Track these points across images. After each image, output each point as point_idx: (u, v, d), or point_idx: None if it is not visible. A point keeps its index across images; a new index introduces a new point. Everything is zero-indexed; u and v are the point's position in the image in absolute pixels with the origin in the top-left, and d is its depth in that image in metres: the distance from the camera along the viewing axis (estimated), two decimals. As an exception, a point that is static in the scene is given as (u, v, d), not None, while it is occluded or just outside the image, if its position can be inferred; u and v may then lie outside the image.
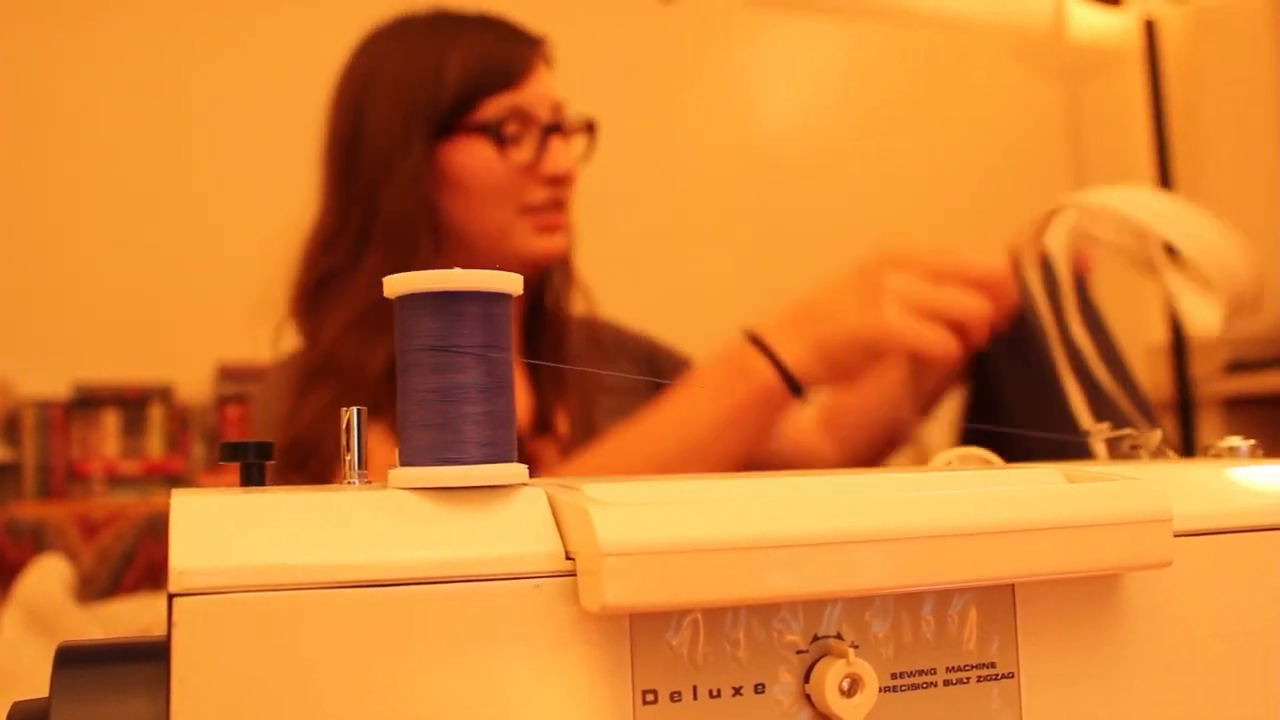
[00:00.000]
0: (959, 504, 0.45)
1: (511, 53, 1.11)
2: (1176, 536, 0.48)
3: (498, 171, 1.09)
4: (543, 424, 1.15)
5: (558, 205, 1.13)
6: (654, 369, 1.27)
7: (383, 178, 1.08)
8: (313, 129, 2.37)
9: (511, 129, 1.10)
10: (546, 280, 1.20)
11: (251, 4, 2.52)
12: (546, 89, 1.13)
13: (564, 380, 1.17)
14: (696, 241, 2.66)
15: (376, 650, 0.41)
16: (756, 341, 0.93)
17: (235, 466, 0.49)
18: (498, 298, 0.46)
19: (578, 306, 1.23)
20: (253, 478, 0.49)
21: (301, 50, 2.55)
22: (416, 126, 1.08)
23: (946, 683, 0.48)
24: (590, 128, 1.17)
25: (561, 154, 1.12)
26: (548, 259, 1.15)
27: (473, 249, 1.11)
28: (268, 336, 1.14)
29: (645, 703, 0.44)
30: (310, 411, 1.03)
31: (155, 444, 2.34)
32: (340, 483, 0.48)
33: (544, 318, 1.20)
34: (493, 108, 1.10)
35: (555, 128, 1.12)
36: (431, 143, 1.09)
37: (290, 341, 1.18)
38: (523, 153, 1.10)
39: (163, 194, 2.44)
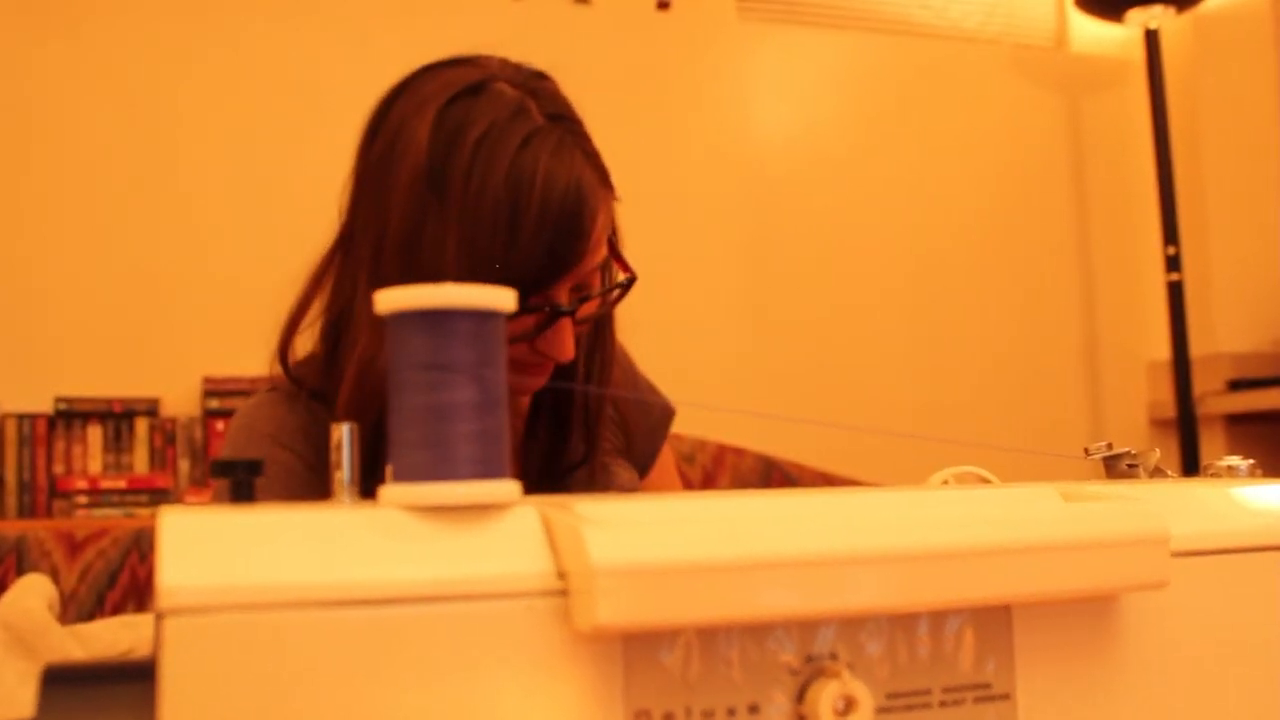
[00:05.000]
0: (955, 524, 0.45)
1: (579, 232, 0.99)
2: (1174, 557, 0.48)
3: None
4: None
5: (543, 367, 1.06)
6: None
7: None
8: (300, 146, 2.36)
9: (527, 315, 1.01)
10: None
11: (240, 17, 2.52)
12: (590, 262, 1.02)
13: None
14: (688, 254, 2.66)
15: (367, 669, 0.41)
16: None
17: (216, 482, 0.49)
18: (489, 315, 0.46)
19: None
20: (242, 495, 0.48)
21: (292, 66, 2.54)
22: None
23: (942, 703, 0.48)
24: (628, 283, 1.07)
25: (562, 339, 1.03)
26: (517, 394, 1.10)
27: None
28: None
29: (638, 723, 0.44)
30: None
31: (140, 459, 2.33)
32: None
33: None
34: (531, 300, 1.00)
35: (570, 312, 1.02)
36: None
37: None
38: (522, 325, 1.02)
39: (149, 207, 2.43)
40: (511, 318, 0.99)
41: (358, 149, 1.07)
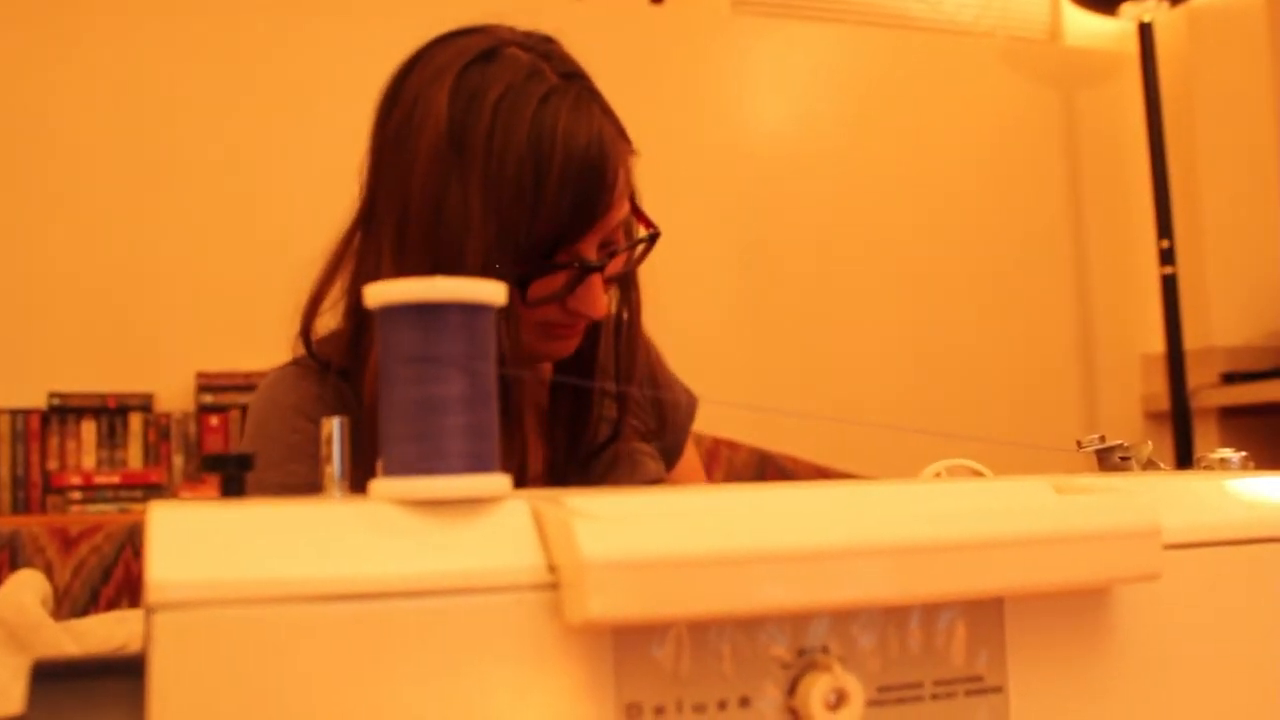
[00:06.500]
0: (947, 517, 0.45)
1: (602, 185, 1.00)
2: (1167, 549, 0.48)
3: (516, 302, 1.01)
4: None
5: (574, 326, 1.07)
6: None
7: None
8: (293, 142, 2.35)
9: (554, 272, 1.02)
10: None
11: (234, 16, 2.52)
12: (615, 216, 1.03)
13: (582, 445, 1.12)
14: (683, 248, 2.65)
15: (357, 664, 0.41)
16: None
17: (214, 477, 0.48)
18: (479, 308, 0.46)
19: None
20: (233, 489, 0.48)
21: (285, 64, 2.54)
22: (506, 256, 0.98)
23: (934, 696, 0.48)
24: (652, 238, 1.09)
25: (594, 295, 1.03)
26: (548, 359, 1.11)
27: None
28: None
29: (629, 717, 0.44)
30: None
31: (134, 455, 2.32)
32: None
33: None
34: (559, 256, 1.01)
35: (599, 267, 1.03)
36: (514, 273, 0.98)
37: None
38: (552, 285, 1.02)
39: (142, 202, 2.43)
40: (541, 276, 1.00)
41: (373, 124, 1.07)
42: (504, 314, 0.98)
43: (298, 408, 1.07)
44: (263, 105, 2.51)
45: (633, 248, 1.09)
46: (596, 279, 1.04)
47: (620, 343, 1.13)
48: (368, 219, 1.07)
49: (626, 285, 1.12)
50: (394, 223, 1.01)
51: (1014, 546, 0.45)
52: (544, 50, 1.05)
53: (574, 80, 1.04)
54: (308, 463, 1.04)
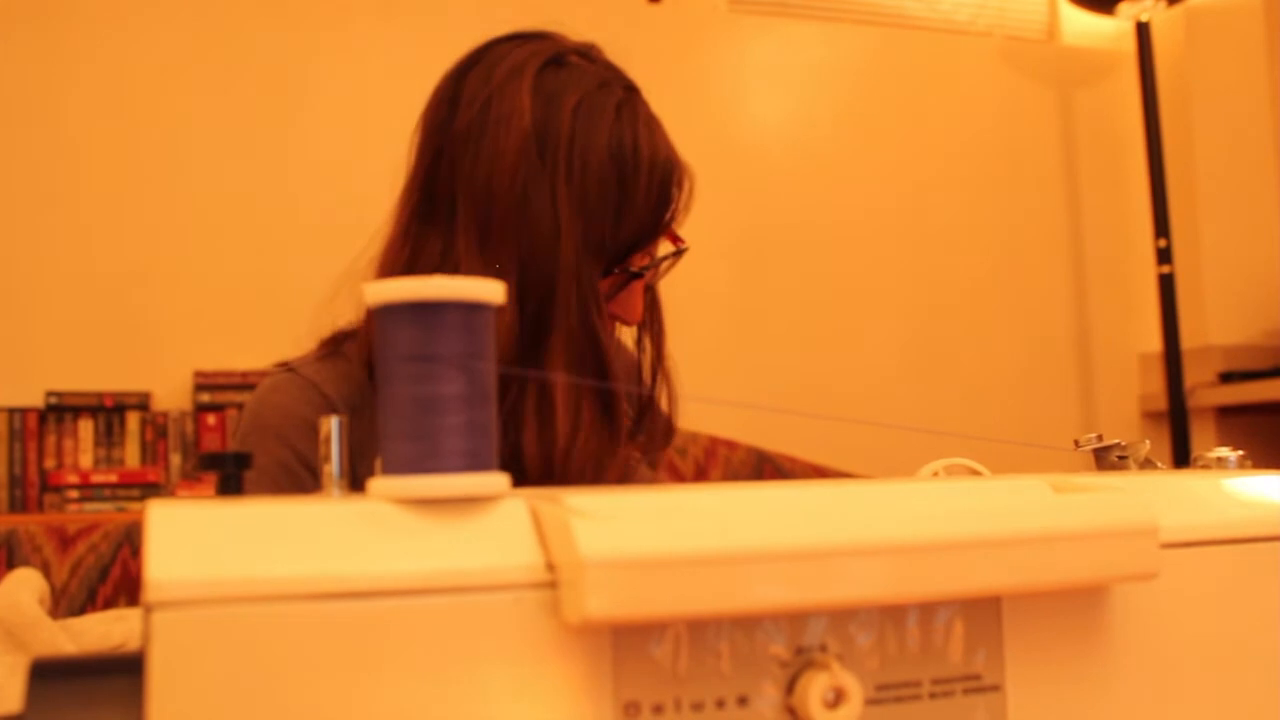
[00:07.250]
0: (945, 515, 0.45)
1: (673, 198, 1.05)
2: (1164, 548, 0.48)
3: (601, 304, 1.03)
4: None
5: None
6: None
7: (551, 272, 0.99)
8: (290, 142, 2.34)
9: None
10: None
11: (232, 15, 2.51)
12: (672, 227, 1.08)
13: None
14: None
15: (355, 662, 0.41)
16: None
17: (211, 476, 0.48)
18: (478, 307, 0.46)
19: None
20: (230, 488, 0.48)
21: (283, 64, 2.53)
22: (593, 258, 1.01)
23: (932, 695, 0.48)
24: (679, 252, 1.11)
25: (635, 302, 1.07)
26: None
27: None
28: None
29: (628, 715, 0.44)
30: None
31: (131, 453, 2.32)
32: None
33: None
34: (620, 264, 1.04)
35: (639, 274, 1.06)
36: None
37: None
38: (602, 289, 1.04)
39: (139, 201, 2.43)
40: (610, 280, 1.01)
41: (431, 122, 1.07)
42: (599, 315, 1.01)
43: (278, 430, 1.05)
44: (260, 105, 2.51)
45: (660, 262, 1.11)
46: (639, 286, 1.06)
47: (649, 351, 1.15)
48: (429, 213, 1.06)
49: (651, 297, 1.14)
50: (476, 218, 1.02)
51: (1011, 545, 0.45)
52: (596, 59, 1.08)
53: (633, 92, 1.07)
54: (268, 488, 1.03)
